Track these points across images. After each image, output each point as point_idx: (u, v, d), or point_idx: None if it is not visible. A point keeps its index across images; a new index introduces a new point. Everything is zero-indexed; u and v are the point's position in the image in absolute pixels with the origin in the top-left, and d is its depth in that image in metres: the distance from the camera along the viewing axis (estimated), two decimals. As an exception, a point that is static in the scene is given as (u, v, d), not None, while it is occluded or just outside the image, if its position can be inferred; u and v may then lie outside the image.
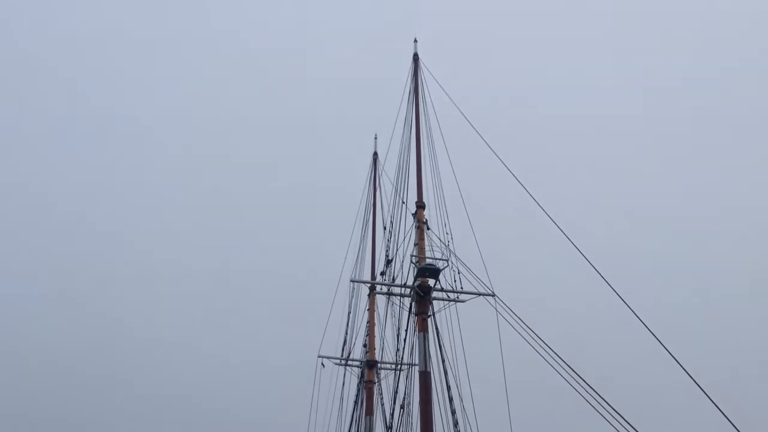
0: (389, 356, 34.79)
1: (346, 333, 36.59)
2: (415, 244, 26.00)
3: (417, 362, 24.34)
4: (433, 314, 24.80)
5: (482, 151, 26.49)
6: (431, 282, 24.90)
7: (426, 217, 26.56)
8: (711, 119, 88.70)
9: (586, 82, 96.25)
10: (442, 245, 25.61)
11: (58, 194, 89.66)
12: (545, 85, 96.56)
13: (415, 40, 30.80)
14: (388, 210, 31.54)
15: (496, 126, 71.61)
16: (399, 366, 26.62)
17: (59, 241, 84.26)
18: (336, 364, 36.08)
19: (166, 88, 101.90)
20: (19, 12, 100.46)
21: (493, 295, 24.02)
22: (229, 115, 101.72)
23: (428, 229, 26.28)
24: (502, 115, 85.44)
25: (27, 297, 76.33)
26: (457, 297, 24.90)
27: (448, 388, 24.21)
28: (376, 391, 35.61)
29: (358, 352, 36.86)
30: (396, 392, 26.55)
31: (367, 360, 36.35)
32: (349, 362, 36.42)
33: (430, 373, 23.57)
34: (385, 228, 32.12)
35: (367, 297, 37.33)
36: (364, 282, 36.36)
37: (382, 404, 34.75)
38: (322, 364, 34.49)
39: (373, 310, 36.82)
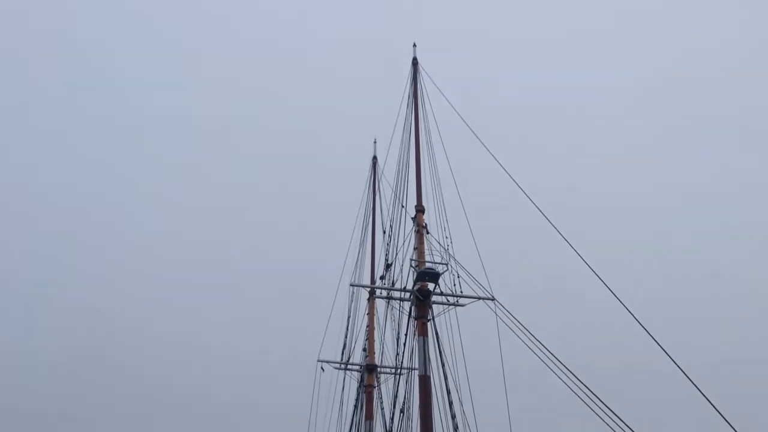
0: (389, 360, 34.83)
1: (346, 337, 36.65)
2: (414, 248, 26.01)
3: (417, 366, 24.33)
4: (433, 318, 24.82)
5: (482, 154, 26.56)
6: (431, 286, 24.93)
7: (425, 221, 26.60)
8: (710, 119, 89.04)
9: (586, 83, 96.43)
10: (442, 249, 25.66)
11: (58, 194, 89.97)
12: (545, 89, 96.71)
13: (414, 45, 30.91)
14: (388, 214, 31.55)
15: (496, 129, 71.78)
16: (399, 370, 26.60)
17: (59, 240, 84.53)
18: (336, 368, 36.09)
19: (167, 89, 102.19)
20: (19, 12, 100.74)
21: (493, 299, 24.02)
22: (229, 116, 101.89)
23: (428, 233, 26.30)
24: (502, 117, 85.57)
25: (27, 296, 76.68)
26: (457, 301, 24.92)
27: (448, 392, 24.22)
28: (375, 395, 35.58)
29: (357, 356, 36.88)
30: (396, 396, 26.58)
31: (366, 364, 36.34)
32: (349, 366, 36.41)
33: (429, 377, 23.57)
34: (384, 232, 32.11)
35: (366, 301, 37.38)
36: (363, 286, 36.37)
37: (382, 408, 34.75)
38: (322, 368, 34.53)
39: (373, 314, 36.84)
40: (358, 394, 36.04)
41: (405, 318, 25.90)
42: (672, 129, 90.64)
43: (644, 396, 57.14)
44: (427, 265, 25.18)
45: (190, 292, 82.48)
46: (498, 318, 23.19)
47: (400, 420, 25.64)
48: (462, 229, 26.84)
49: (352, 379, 36.45)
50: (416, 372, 24.37)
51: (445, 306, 24.99)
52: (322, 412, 34.41)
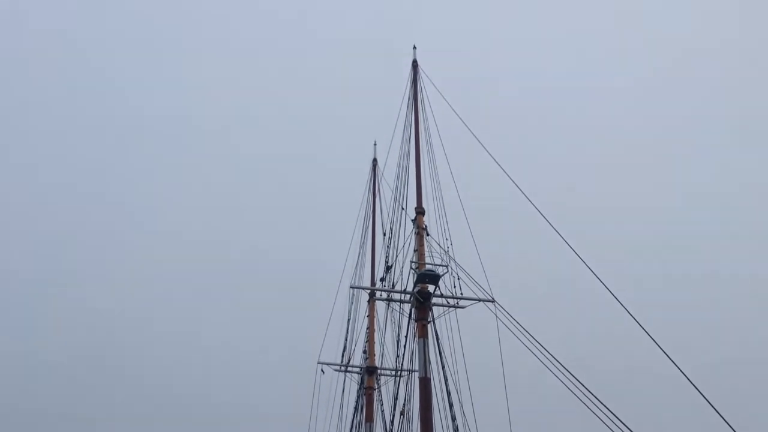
0: (389, 362, 34.84)
1: (346, 339, 36.63)
2: (414, 250, 26.01)
3: (417, 368, 24.32)
4: (433, 320, 24.81)
5: (482, 156, 26.55)
6: (431, 288, 24.92)
7: (425, 223, 26.59)
8: (710, 119, 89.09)
9: (586, 83, 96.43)
10: (442, 251, 25.65)
11: (58, 193, 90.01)
12: (545, 89, 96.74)
13: (414, 47, 30.88)
14: (388, 216, 31.56)
15: (496, 129, 71.84)
16: (399, 372, 26.59)
17: (59, 240, 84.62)
18: (336, 370, 36.05)
19: (167, 89, 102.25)
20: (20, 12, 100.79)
21: (493, 301, 24.02)
22: (229, 116, 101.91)
23: (428, 235, 26.30)
24: (502, 118, 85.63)
25: (27, 296, 76.76)
26: (457, 303, 24.92)
27: (448, 394, 24.22)
28: (376, 398, 35.58)
29: (357, 359, 36.87)
30: (396, 398, 26.56)
31: (366, 366, 36.32)
32: (349, 368, 36.38)
33: (430, 379, 23.57)
34: (384, 234, 32.12)
35: (366, 303, 37.37)
36: (363, 288, 36.40)
37: (382, 410, 34.76)
38: (322, 370, 34.50)
39: (373, 316, 36.84)
40: (358, 396, 36.03)
41: (405, 320, 25.94)
42: (672, 129, 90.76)
43: (645, 397, 57.23)
44: (427, 267, 25.17)
45: (190, 292, 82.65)
46: (498, 320, 23.22)
47: (401, 422, 25.66)
48: (462, 230, 26.86)
49: (353, 381, 36.49)
50: (416, 374, 24.37)
51: (446, 308, 24.99)
52: (323, 414, 34.44)
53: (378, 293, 31.50)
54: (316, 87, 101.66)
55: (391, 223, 29.81)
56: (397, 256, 27.79)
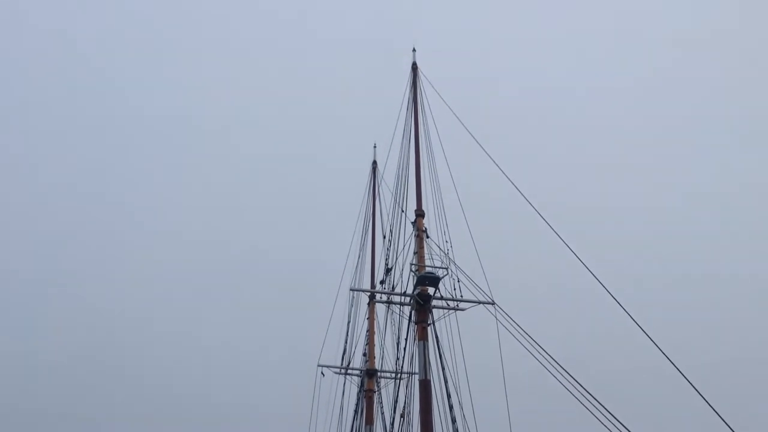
0: (389, 365, 34.81)
1: (346, 342, 36.60)
2: (414, 253, 26.00)
3: (417, 371, 24.31)
4: (433, 323, 24.79)
5: (482, 158, 26.57)
6: (431, 290, 24.89)
7: (425, 225, 26.58)
8: (710, 119, 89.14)
9: (586, 83, 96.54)
10: (442, 253, 25.65)
11: (58, 194, 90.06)
12: (545, 89, 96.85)
13: (414, 50, 30.87)
14: (388, 218, 31.58)
15: (496, 130, 72.00)
16: (399, 375, 26.58)
17: (59, 240, 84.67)
18: (336, 373, 36.03)
19: (167, 89, 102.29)
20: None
21: (493, 303, 24.01)
22: (229, 118, 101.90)
23: (428, 237, 26.29)
24: (502, 118, 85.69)
25: (27, 296, 76.86)
26: (457, 305, 24.90)
27: (449, 396, 24.20)
28: (376, 400, 35.55)
29: (357, 361, 36.83)
30: (396, 401, 26.54)
31: (367, 369, 36.29)
32: (349, 371, 36.36)
33: (430, 381, 23.56)
34: (384, 236, 32.16)
35: (366, 305, 37.35)
36: (363, 290, 36.39)
37: (382, 413, 34.73)
38: (322, 373, 34.48)
39: (373, 319, 36.83)
40: (358, 399, 36.00)
41: (405, 322, 25.92)
42: (672, 129, 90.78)
43: (644, 398, 57.23)
44: (427, 269, 25.14)
45: (190, 293, 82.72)
46: (498, 322, 23.22)
47: (401, 425, 25.66)
48: (462, 232, 26.87)
49: (352, 384, 36.47)
50: (416, 376, 24.36)
51: (445, 310, 24.99)
52: (323, 416, 34.43)
53: (378, 295, 31.51)
54: (315, 88, 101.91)
55: (391, 226, 29.86)
56: (396, 258, 27.84)
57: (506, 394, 23.63)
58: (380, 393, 35.51)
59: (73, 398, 66.72)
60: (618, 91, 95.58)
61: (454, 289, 24.91)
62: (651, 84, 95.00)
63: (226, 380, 70.33)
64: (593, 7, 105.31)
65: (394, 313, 28.72)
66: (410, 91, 30.03)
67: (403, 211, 28.52)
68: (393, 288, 27.36)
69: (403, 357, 25.86)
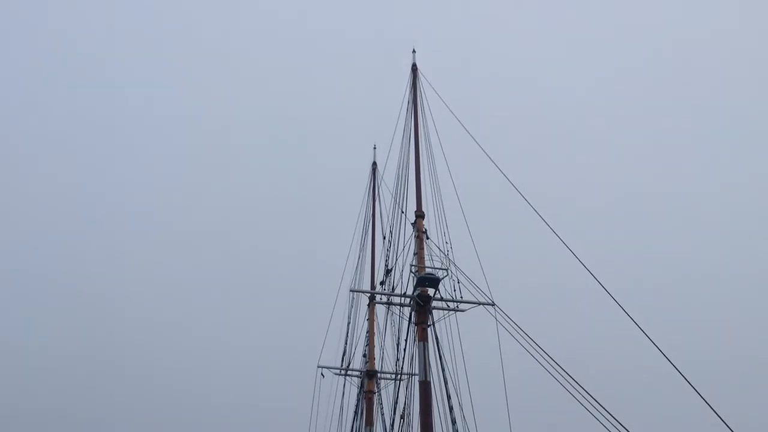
0: (389, 366, 34.78)
1: (346, 343, 36.61)
2: (414, 254, 26.01)
3: (417, 372, 24.32)
4: (433, 324, 24.79)
5: (481, 159, 26.59)
6: (431, 291, 24.89)
7: (425, 226, 26.58)
8: (710, 118, 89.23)
9: (586, 85, 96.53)
10: (442, 254, 25.65)
11: (58, 193, 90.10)
12: (545, 91, 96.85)
13: (414, 51, 30.87)
14: (388, 219, 31.58)
15: (496, 130, 72.10)
16: (399, 376, 26.59)
17: (59, 240, 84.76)
18: (336, 374, 36.04)
19: (167, 89, 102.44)
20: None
21: (493, 305, 24.02)
22: (229, 119, 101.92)
23: (428, 238, 26.30)
24: (502, 118, 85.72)
25: (27, 296, 76.91)
26: (457, 306, 24.90)
27: (449, 397, 24.19)
28: (376, 401, 35.53)
29: (357, 362, 36.84)
30: (396, 402, 26.53)
31: (367, 370, 36.28)
32: (349, 372, 36.37)
33: (430, 382, 23.56)
34: (384, 237, 32.16)
35: (366, 306, 37.35)
36: (363, 292, 36.39)
37: (382, 414, 34.71)
38: (322, 374, 34.48)
39: (373, 320, 36.83)
40: (358, 400, 36.00)
41: (405, 323, 25.93)
42: (672, 129, 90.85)
43: (645, 399, 57.25)
44: (427, 270, 25.15)
45: (190, 293, 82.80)
46: (498, 323, 23.23)
47: (401, 426, 25.64)
48: (462, 233, 26.88)
49: (352, 385, 36.46)
50: (416, 378, 24.36)
51: (445, 311, 24.99)
52: (323, 417, 34.43)
53: (378, 296, 31.53)
54: (315, 88, 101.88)
55: (391, 227, 29.87)
56: (396, 259, 27.86)
57: (506, 395, 23.67)
58: (380, 394, 35.52)
59: (73, 398, 66.84)
60: (618, 91, 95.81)
61: (454, 290, 24.93)
62: (651, 84, 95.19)
63: (226, 381, 70.44)
64: (593, 7, 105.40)
65: (394, 314, 28.76)
66: (410, 92, 30.07)
67: (403, 212, 28.55)
68: (393, 289, 27.38)
69: (403, 358, 25.89)
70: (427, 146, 28.50)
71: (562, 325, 62.33)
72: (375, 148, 41.54)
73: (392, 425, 27.75)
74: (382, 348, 35.53)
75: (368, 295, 36.18)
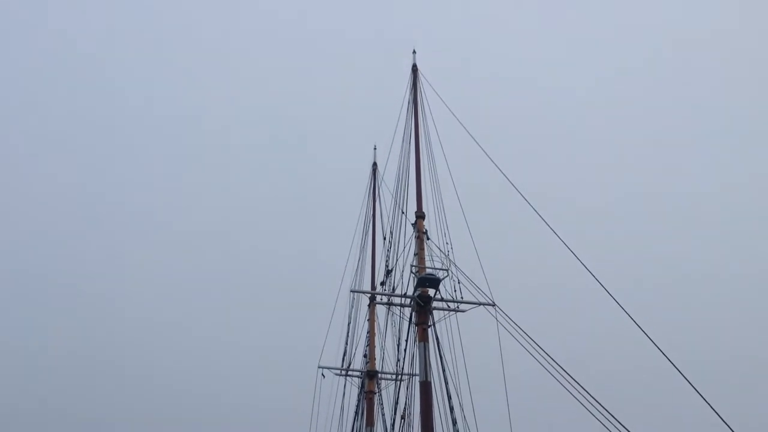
0: (390, 366, 34.81)
1: (347, 343, 36.63)
2: (415, 254, 26.02)
3: (417, 372, 24.34)
4: (434, 324, 24.81)
5: (482, 159, 26.60)
6: (431, 292, 24.91)
7: (426, 227, 26.60)
8: (709, 119, 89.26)
9: (587, 85, 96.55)
10: (442, 255, 25.66)
11: (59, 193, 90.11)
12: (545, 91, 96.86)
13: (414, 51, 30.88)
14: (388, 220, 31.60)
15: (496, 130, 72.08)
16: (399, 376, 26.60)
17: (60, 240, 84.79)
18: (336, 374, 36.05)
19: (168, 89, 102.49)
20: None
21: (494, 305, 24.03)
22: (229, 120, 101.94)
23: (428, 239, 26.31)
24: (502, 122, 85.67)
25: (27, 296, 76.97)
26: (458, 307, 24.91)
27: (449, 397, 24.22)
28: (376, 402, 35.56)
29: (358, 363, 36.86)
30: (397, 402, 26.53)
31: (367, 370, 36.31)
32: (350, 372, 36.38)
33: (430, 383, 23.58)
34: (384, 238, 32.19)
35: (367, 307, 37.36)
36: (364, 292, 36.41)
37: (383, 415, 34.73)
38: (323, 374, 34.48)
39: (374, 320, 36.84)
40: (358, 401, 36.03)
41: (405, 324, 25.95)
42: (672, 129, 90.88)
43: (645, 399, 57.26)
44: (428, 270, 25.17)
45: (190, 293, 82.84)
46: (498, 323, 23.24)
47: (401, 426, 25.65)
48: (462, 234, 26.89)
49: (353, 386, 36.49)
50: (417, 378, 24.37)
51: (446, 312, 25.01)
52: (323, 418, 34.43)
53: (378, 297, 31.55)
54: (316, 88, 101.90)
55: (392, 227, 29.89)
56: (397, 259, 27.87)
57: (507, 395, 23.67)
58: (381, 394, 35.55)
59: (73, 398, 66.86)
60: (618, 91, 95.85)
61: (455, 291, 24.95)
62: (651, 84, 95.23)
63: (226, 381, 70.43)
64: (593, 7, 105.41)
65: (394, 315, 28.79)
66: (410, 92, 30.08)
67: (403, 212, 28.56)
68: (393, 289, 27.40)
69: (404, 358, 25.88)
70: (428, 146, 28.55)
71: (562, 325, 62.36)
72: (375, 148, 41.60)
73: (393, 425, 27.75)
74: (382, 348, 35.61)
75: (369, 295, 36.21)
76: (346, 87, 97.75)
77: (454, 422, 24.05)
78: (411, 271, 25.45)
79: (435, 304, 24.87)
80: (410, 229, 26.94)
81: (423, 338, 24.42)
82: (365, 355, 36.71)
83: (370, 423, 35.18)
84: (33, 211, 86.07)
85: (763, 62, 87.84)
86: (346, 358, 36.42)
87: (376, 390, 35.75)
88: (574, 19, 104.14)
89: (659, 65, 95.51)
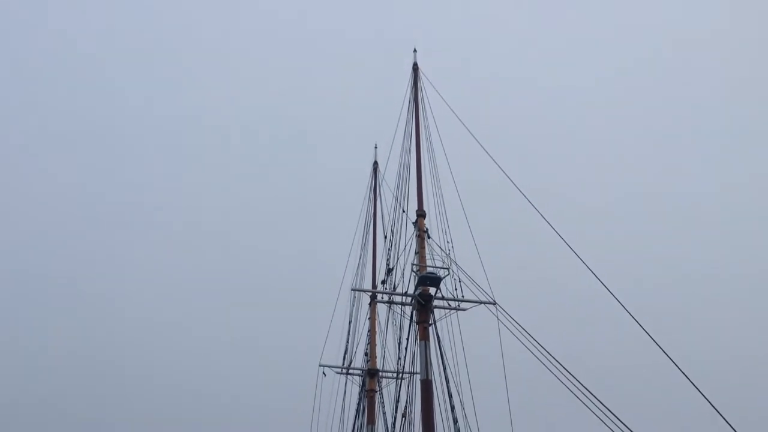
0: (391, 365, 34.88)
1: (348, 342, 36.66)
2: (415, 253, 26.06)
3: (418, 370, 24.38)
4: (434, 322, 24.85)
5: (483, 158, 26.63)
6: (432, 290, 24.96)
7: (426, 225, 26.64)
8: (709, 119, 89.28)
9: (586, 86, 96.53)
10: (443, 254, 25.70)
11: (59, 193, 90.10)
12: (546, 90, 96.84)
13: (415, 50, 30.92)
14: (389, 219, 31.68)
15: (497, 130, 72.08)
16: (400, 374, 26.64)
17: (60, 240, 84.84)
18: (337, 372, 36.07)
19: (168, 89, 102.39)
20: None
21: (494, 303, 24.06)
22: (229, 120, 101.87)
23: (429, 237, 26.35)
24: (503, 121, 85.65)
25: (27, 296, 77.00)
26: (458, 305, 24.96)
27: (450, 396, 24.26)
28: (377, 400, 35.62)
29: (359, 361, 36.92)
30: (398, 401, 26.58)
31: (368, 369, 36.37)
32: (351, 371, 36.42)
33: (431, 381, 23.63)
34: (385, 237, 32.31)
35: (368, 306, 37.42)
36: (365, 291, 36.43)
37: (384, 413, 34.79)
38: (324, 373, 34.53)
39: (374, 319, 36.89)
40: (359, 399, 36.10)
41: (406, 322, 26.01)
42: (672, 129, 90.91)
43: (645, 398, 57.32)
44: (429, 269, 25.21)
45: (191, 293, 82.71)
46: (499, 322, 23.27)
47: (402, 424, 25.69)
48: (463, 233, 26.92)
49: (354, 384, 36.56)
50: (418, 376, 24.42)
51: (447, 310, 25.05)
52: (324, 416, 34.45)
53: (379, 296, 31.56)
54: (316, 87, 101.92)
55: (392, 226, 29.94)
56: (398, 258, 27.90)
57: (507, 393, 23.71)
58: (382, 393, 35.61)
59: (73, 398, 66.88)
60: (618, 91, 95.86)
61: (456, 289, 24.99)
62: (651, 84, 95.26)
63: (227, 380, 70.39)
64: (593, 7, 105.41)
65: (395, 313, 28.84)
66: (411, 91, 30.12)
67: (404, 211, 28.59)
68: (394, 288, 27.41)
69: (405, 357, 25.93)
70: (429, 145, 28.58)
71: (562, 323, 62.38)
72: (376, 147, 41.61)
73: (394, 424, 27.81)
74: (383, 347, 35.67)
75: (370, 294, 36.24)
76: (346, 87, 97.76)
77: (455, 420, 24.11)
78: (412, 270, 25.51)
79: (436, 302, 24.91)
80: (411, 228, 26.99)
81: (424, 336, 24.46)
82: (366, 354, 36.76)
83: (371, 421, 35.24)
84: (33, 211, 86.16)
85: (762, 62, 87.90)
86: (347, 356, 36.47)
87: (377, 388, 35.81)
88: (574, 19, 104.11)
89: (659, 65, 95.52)
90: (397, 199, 29.75)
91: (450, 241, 26.36)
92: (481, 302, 24.48)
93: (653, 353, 18.78)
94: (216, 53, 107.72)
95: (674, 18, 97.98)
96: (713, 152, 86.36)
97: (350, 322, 36.80)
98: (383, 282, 29.86)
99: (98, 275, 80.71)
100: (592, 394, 19.20)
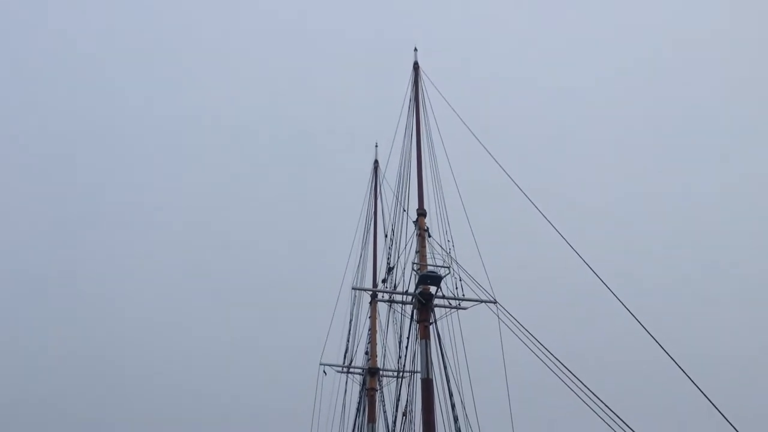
0: (391, 364, 34.91)
1: (348, 340, 36.69)
2: (416, 252, 26.06)
3: (419, 369, 24.39)
4: (435, 321, 24.86)
5: (483, 157, 26.63)
6: (433, 289, 24.97)
7: (427, 224, 26.64)
8: (710, 118, 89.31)
9: (586, 85, 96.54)
10: (444, 252, 25.72)
11: (59, 193, 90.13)
12: (546, 90, 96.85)
13: (415, 49, 30.89)
14: (389, 218, 31.68)
15: (498, 130, 72.09)
16: (401, 373, 26.65)
17: (60, 240, 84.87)
18: (338, 371, 36.10)
19: (168, 89, 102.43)
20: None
21: (495, 302, 24.05)
22: (229, 118, 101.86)
23: (429, 236, 26.35)
24: (504, 120, 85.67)
25: (27, 295, 77.00)
26: (459, 304, 24.96)
27: (451, 395, 24.27)
28: (378, 399, 35.65)
29: (360, 360, 36.96)
30: (398, 399, 26.61)
31: (369, 367, 36.41)
32: (351, 370, 36.45)
33: (432, 380, 23.64)
34: (386, 236, 32.32)
35: (368, 304, 37.45)
36: (365, 290, 36.48)
37: (385, 412, 34.83)
38: (324, 371, 34.55)
39: (375, 318, 36.91)
40: (360, 398, 36.13)
41: (407, 321, 26.04)
42: (672, 129, 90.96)
43: (645, 397, 57.34)
44: (429, 268, 25.21)
45: (191, 292, 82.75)
46: (500, 321, 23.28)
47: (403, 423, 25.70)
48: (464, 231, 26.93)
49: (355, 383, 36.59)
50: (419, 375, 24.42)
51: (447, 309, 25.05)
52: (325, 415, 34.47)
53: (380, 294, 31.58)
54: (316, 87, 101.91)
55: (393, 225, 29.94)
56: (398, 257, 27.91)
57: (508, 393, 23.71)
58: (382, 391, 35.66)
59: (73, 398, 66.88)
60: (618, 91, 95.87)
61: (456, 288, 25.00)
62: (651, 84, 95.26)
63: (228, 379, 70.41)
64: (593, 7, 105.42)
65: (396, 312, 28.85)
66: (412, 90, 30.12)
67: (404, 210, 28.59)
68: (395, 287, 27.41)
69: (405, 355, 25.94)
70: (429, 144, 28.59)
71: (563, 323, 62.41)
72: (377, 146, 41.63)
73: (394, 422, 27.82)
74: (384, 346, 35.69)
75: (370, 293, 36.29)
76: (346, 86, 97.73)
77: (456, 419, 24.13)
78: (412, 269, 25.52)
79: (436, 301, 24.92)
80: (411, 227, 27.00)
81: (424, 335, 24.47)
82: (367, 353, 36.78)
83: (372, 420, 35.27)
84: (31, 210, 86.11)
85: (762, 62, 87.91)
86: (348, 355, 36.50)
87: (378, 387, 35.84)
88: (574, 19, 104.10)
89: (659, 65, 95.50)
90: (397, 198, 29.77)
91: (451, 240, 26.40)
92: (481, 301, 24.49)
93: (653, 352, 18.83)
94: (216, 53, 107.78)
95: (674, 18, 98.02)
96: (713, 152, 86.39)
97: (351, 321, 36.89)
98: (384, 281, 29.87)
99: (98, 275, 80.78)
100: (592, 392, 19.23)
